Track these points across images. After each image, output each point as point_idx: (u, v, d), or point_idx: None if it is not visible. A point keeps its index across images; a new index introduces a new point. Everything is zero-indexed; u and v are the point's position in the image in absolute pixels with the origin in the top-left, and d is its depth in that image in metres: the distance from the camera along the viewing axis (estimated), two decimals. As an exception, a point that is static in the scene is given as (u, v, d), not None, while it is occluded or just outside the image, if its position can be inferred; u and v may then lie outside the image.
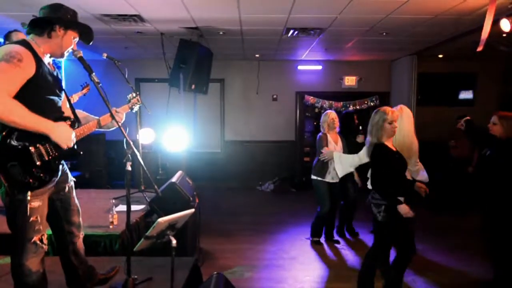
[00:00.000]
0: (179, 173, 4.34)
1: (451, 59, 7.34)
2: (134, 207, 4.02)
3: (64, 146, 1.94)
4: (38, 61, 1.92)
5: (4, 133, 1.81)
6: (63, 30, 2.02)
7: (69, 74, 7.96)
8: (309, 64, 8.00)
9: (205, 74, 5.77)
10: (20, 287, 1.97)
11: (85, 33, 2.18)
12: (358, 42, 6.11)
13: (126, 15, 4.73)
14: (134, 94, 2.50)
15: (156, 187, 2.37)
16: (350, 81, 8.06)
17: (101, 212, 3.77)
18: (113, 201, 3.60)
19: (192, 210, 1.97)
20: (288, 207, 6.60)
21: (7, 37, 3.50)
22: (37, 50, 1.96)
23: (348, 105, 7.88)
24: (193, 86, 5.47)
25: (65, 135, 1.93)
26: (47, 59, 2.06)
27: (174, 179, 3.99)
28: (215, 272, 2.26)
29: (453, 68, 7.70)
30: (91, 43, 2.28)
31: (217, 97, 8.11)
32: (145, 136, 5.04)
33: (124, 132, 2.23)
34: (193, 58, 5.26)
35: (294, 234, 5.06)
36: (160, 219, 1.67)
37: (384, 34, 5.45)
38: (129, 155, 2.27)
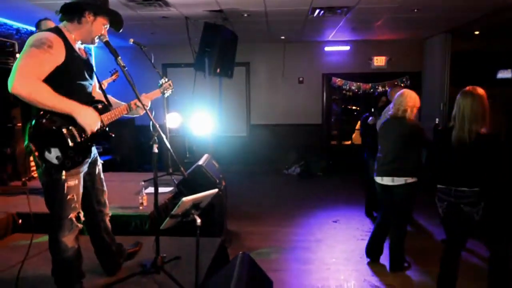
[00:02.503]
0: (205, 156, 4.40)
1: (489, 36, 6.92)
2: (162, 189, 4.13)
3: (88, 130, 1.99)
4: (68, 47, 1.97)
5: (38, 117, 1.88)
6: (92, 16, 2.05)
7: (99, 60, 8.17)
8: (337, 44, 7.79)
9: (230, 57, 5.75)
10: (58, 262, 2.09)
11: (115, 20, 2.19)
12: (387, 20, 5.87)
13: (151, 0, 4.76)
14: (166, 79, 2.52)
15: (183, 169, 2.41)
16: (379, 61, 7.80)
17: (132, 194, 3.89)
18: (143, 183, 3.70)
19: (216, 190, 1.99)
20: (315, 191, 6.58)
21: (37, 25, 3.61)
22: (68, 37, 2.01)
23: (377, 86, 7.66)
24: (218, 70, 5.47)
25: (90, 119, 1.98)
26: (78, 45, 2.11)
27: (200, 162, 4.06)
28: (240, 252, 2.30)
29: (491, 46, 7.27)
30: (121, 30, 2.30)
31: (242, 81, 8.09)
32: (172, 120, 5.11)
33: (151, 116, 2.27)
34: (218, 42, 5.25)
35: (320, 217, 5.05)
36: (184, 198, 1.71)
37: (416, 10, 5.20)
38: (156, 138, 2.32)
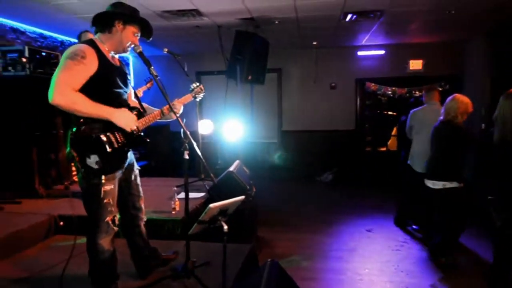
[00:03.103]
0: (236, 162, 4.44)
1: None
2: (194, 195, 4.22)
3: (128, 129, 2.08)
4: (101, 57, 2.07)
5: (78, 124, 1.99)
6: (122, 25, 2.14)
7: (136, 69, 8.53)
8: (370, 49, 7.63)
9: (262, 64, 5.80)
10: (95, 263, 2.18)
11: (144, 28, 2.28)
12: (423, 22, 5.69)
13: (185, 10, 4.90)
14: (197, 83, 2.58)
15: (212, 175, 2.47)
16: (415, 65, 7.55)
17: (165, 198, 4.00)
18: (175, 188, 3.79)
19: (242, 197, 2.00)
20: (348, 198, 6.45)
21: (78, 37, 3.84)
22: (101, 47, 2.11)
23: (413, 91, 7.42)
24: (249, 77, 5.52)
25: (125, 118, 2.07)
26: (112, 55, 2.20)
27: (231, 168, 4.10)
28: (269, 259, 2.29)
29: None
30: (151, 38, 2.38)
31: (274, 87, 8.12)
32: (204, 127, 5.22)
33: (182, 123, 2.32)
34: (249, 49, 5.31)
35: (353, 225, 4.94)
36: (211, 205, 1.74)
37: (451, 12, 5.00)
38: (186, 145, 2.38)
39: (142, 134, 2.24)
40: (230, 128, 5.42)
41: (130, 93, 2.36)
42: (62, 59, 1.97)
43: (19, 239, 3.11)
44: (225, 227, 1.77)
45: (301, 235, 4.62)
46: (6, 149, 4.49)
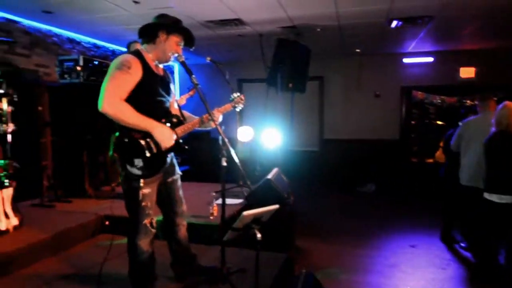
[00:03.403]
0: (275, 170, 4.43)
1: None
2: (232, 201, 4.26)
3: (163, 146, 2.14)
4: (146, 67, 2.16)
5: (120, 130, 2.10)
6: (165, 35, 2.23)
7: (181, 77, 8.83)
8: (418, 56, 7.34)
9: (303, 72, 5.76)
10: (134, 264, 2.27)
11: (187, 37, 2.34)
12: (475, 28, 5.39)
13: (228, 19, 5.02)
14: (238, 93, 2.60)
15: (248, 182, 2.48)
16: (467, 72, 7.13)
17: (204, 203, 4.07)
18: (214, 194, 3.85)
19: (277, 206, 1.99)
20: (391, 211, 6.19)
21: (128, 47, 4.05)
22: (146, 57, 2.21)
23: (464, 100, 7.01)
24: (290, 85, 5.51)
25: (165, 136, 2.13)
26: (155, 67, 2.29)
27: (269, 176, 4.10)
28: (304, 270, 2.26)
29: None
30: (193, 47, 2.45)
31: (315, 95, 8.04)
32: (244, 134, 5.27)
33: (220, 130, 2.36)
34: (290, 57, 5.31)
35: (396, 240, 4.73)
36: (244, 212, 1.74)
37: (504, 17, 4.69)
38: (224, 152, 2.42)
39: (181, 141, 2.30)
40: (270, 135, 5.43)
41: (172, 102, 2.44)
42: (110, 69, 2.08)
43: (67, 237, 3.30)
44: (259, 235, 1.77)
45: (340, 246, 4.51)
46: (60, 151, 4.82)
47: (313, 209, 6.10)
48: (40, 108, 5.03)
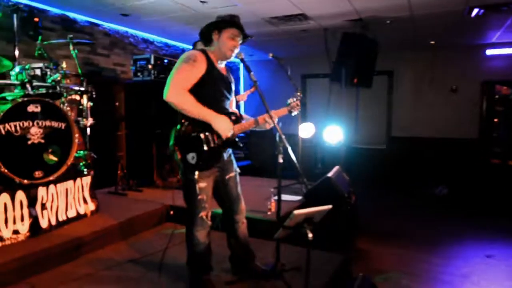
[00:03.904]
0: (336, 168, 4.33)
1: None
2: (290, 198, 4.25)
3: (223, 136, 2.21)
4: (210, 63, 2.26)
5: (181, 123, 2.20)
6: (217, 33, 2.30)
7: (245, 74, 8.99)
8: (504, 47, 6.60)
9: (369, 67, 5.53)
10: (191, 253, 2.37)
11: (236, 24, 2.31)
12: None
13: (292, 15, 4.98)
14: (294, 99, 2.58)
15: (305, 180, 2.44)
16: None
17: (263, 199, 4.11)
18: (272, 190, 3.87)
19: (329, 206, 1.93)
20: (465, 216, 5.68)
21: (194, 46, 4.22)
22: (211, 55, 2.31)
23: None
24: (355, 80, 5.33)
25: (224, 126, 2.19)
26: (218, 65, 2.37)
27: (330, 174, 4.01)
28: (361, 274, 2.18)
29: None
30: (248, 35, 2.41)
31: (383, 90, 7.65)
32: (305, 130, 5.20)
33: (278, 127, 2.36)
34: (356, 51, 5.12)
35: (470, 249, 4.34)
36: (295, 211, 1.72)
37: None
38: (281, 148, 2.41)
39: (237, 139, 2.34)
40: (332, 132, 5.30)
41: (232, 101, 2.49)
42: (178, 62, 2.22)
43: (136, 224, 3.56)
44: (310, 235, 1.73)
45: (403, 250, 4.25)
46: (132, 144, 5.21)
47: (376, 210, 5.83)
48: (117, 103, 5.48)
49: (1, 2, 4.15)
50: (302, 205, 4.03)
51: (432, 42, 6.64)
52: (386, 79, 7.59)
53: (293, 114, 2.56)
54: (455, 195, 6.75)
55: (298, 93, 4.60)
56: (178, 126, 2.22)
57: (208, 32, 2.33)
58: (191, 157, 2.16)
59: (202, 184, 2.24)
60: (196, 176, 2.20)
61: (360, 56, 5.17)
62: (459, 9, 4.57)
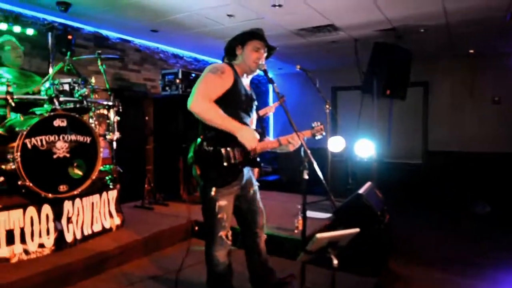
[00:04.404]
0: (367, 184, 4.12)
1: None
2: (319, 215, 4.07)
3: (248, 147, 2.11)
4: (236, 77, 2.21)
5: (201, 137, 2.13)
6: (240, 48, 2.27)
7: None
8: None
9: (403, 78, 5.29)
10: (211, 274, 2.27)
11: (259, 36, 2.27)
12: None
13: (320, 26, 4.88)
14: (318, 123, 2.48)
15: (331, 196, 2.29)
16: None
17: (290, 215, 3.95)
18: (299, 206, 3.70)
19: (357, 230, 1.75)
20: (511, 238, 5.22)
21: (222, 60, 4.20)
22: (237, 70, 2.26)
23: None
24: (388, 92, 5.10)
25: (249, 136, 2.10)
26: (244, 80, 2.32)
27: (361, 191, 3.81)
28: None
29: None
30: (275, 47, 2.40)
31: (418, 102, 7.31)
32: (335, 144, 5.01)
33: (303, 142, 2.25)
34: (388, 62, 4.92)
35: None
36: (318, 235, 1.57)
37: None
38: (306, 164, 2.28)
39: (258, 158, 2.24)
40: (364, 145, 5.08)
41: (252, 119, 2.41)
42: (204, 72, 2.17)
43: (160, 239, 3.51)
44: (335, 261, 1.57)
45: (444, 275, 3.92)
46: (160, 158, 5.23)
47: (413, 229, 5.48)
48: (147, 118, 5.55)
49: (37, 21, 4.34)
50: (331, 223, 3.84)
51: (471, 51, 6.29)
52: (421, 91, 7.26)
53: (316, 138, 2.45)
54: (498, 213, 6.25)
55: (327, 106, 4.44)
56: (198, 140, 2.14)
57: (232, 47, 2.30)
58: (210, 172, 2.08)
59: (222, 202, 2.14)
60: (215, 194, 2.10)
61: (393, 67, 4.96)
62: (500, 15, 4.28)
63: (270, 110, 4.95)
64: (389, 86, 5.08)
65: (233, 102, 2.20)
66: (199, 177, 2.10)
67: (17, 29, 3.87)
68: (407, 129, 7.34)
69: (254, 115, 2.44)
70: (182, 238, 3.77)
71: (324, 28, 4.95)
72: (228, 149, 2.11)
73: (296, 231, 3.47)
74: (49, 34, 4.17)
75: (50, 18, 4.46)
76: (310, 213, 4.16)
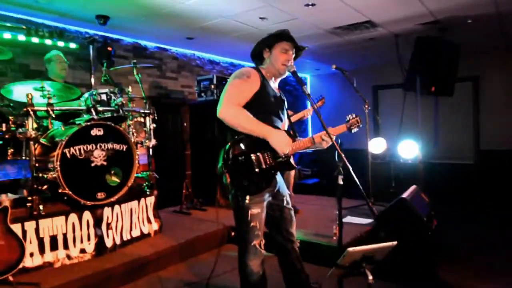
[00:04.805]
0: (412, 187, 3.87)
1: None
2: (360, 220, 3.89)
3: (280, 152, 2.04)
4: (263, 81, 2.15)
5: (231, 143, 2.07)
6: (268, 51, 2.20)
7: (313, 87, 8.77)
8: None
9: (450, 73, 4.94)
10: (244, 283, 2.20)
11: (286, 37, 2.20)
12: None
13: (357, 23, 4.70)
14: (353, 115, 2.35)
15: (369, 202, 2.14)
16: None
17: (328, 221, 3.81)
18: (337, 212, 3.54)
19: (394, 243, 1.59)
20: None
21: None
22: (264, 74, 2.20)
23: None
24: (433, 89, 4.80)
25: (282, 141, 2.03)
26: (273, 84, 2.25)
27: (405, 195, 3.58)
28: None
29: None
30: (305, 47, 2.32)
31: (467, 99, 6.82)
32: (376, 145, 4.78)
33: (337, 145, 2.13)
34: (432, 57, 4.62)
35: None
36: (350, 249, 1.43)
37: None
38: (341, 168, 2.16)
39: (291, 159, 2.16)
40: (408, 146, 4.80)
41: (284, 123, 2.33)
42: (231, 78, 2.13)
43: (197, 245, 3.52)
44: (370, 277, 1.43)
45: (494, 285, 3.58)
46: (197, 163, 5.28)
47: (463, 236, 5.08)
48: (185, 124, 5.64)
49: (79, 35, 4.55)
50: (373, 229, 3.64)
51: (527, 41, 5.77)
52: (470, 86, 6.77)
53: (353, 131, 2.31)
54: None
55: (366, 105, 4.25)
56: (227, 146, 2.09)
57: (259, 51, 2.24)
58: (242, 179, 2.02)
59: (254, 210, 2.07)
60: (247, 202, 2.04)
61: (438, 62, 4.65)
62: (561, -1, 3.87)
63: (308, 113, 4.82)
64: (434, 83, 4.77)
65: (263, 105, 2.14)
66: (230, 185, 2.05)
67: (61, 43, 4.09)
68: (455, 128, 6.86)
69: (285, 118, 2.36)
70: (218, 243, 3.75)
71: (361, 25, 4.76)
72: (258, 154, 2.05)
73: (334, 238, 3.33)
74: (90, 47, 4.36)
75: (91, 31, 4.67)
76: (350, 219, 3.98)
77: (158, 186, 3.74)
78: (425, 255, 3.38)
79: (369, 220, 3.88)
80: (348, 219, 3.96)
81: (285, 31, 2.20)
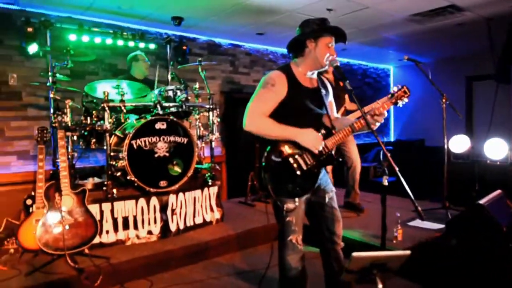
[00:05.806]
0: (496, 192, 3.42)
1: None
2: (430, 225, 3.59)
3: (314, 150, 2.00)
4: (292, 82, 2.08)
5: (268, 150, 2.08)
6: (313, 43, 2.08)
7: (396, 79, 8.22)
8: None
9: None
10: (282, 278, 2.22)
11: (336, 33, 2.11)
12: None
13: (438, 8, 4.27)
14: (399, 86, 2.15)
15: (418, 207, 1.96)
16: None
17: (393, 222, 3.57)
18: (398, 214, 3.31)
19: (408, 252, 1.43)
20: None
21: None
22: (295, 71, 2.12)
23: None
24: (532, 79, 4.14)
25: (311, 139, 1.99)
26: (309, 77, 2.17)
27: (483, 200, 3.19)
28: None
29: None
30: (346, 42, 2.19)
31: None
32: (457, 143, 4.31)
33: (380, 141, 2.00)
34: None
35: None
36: (354, 254, 1.33)
37: None
38: (385, 169, 2.02)
39: (332, 152, 2.09)
40: (496, 146, 4.24)
41: (326, 115, 2.23)
42: (257, 88, 2.12)
43: (254, 236, 3.62)
44: (380, 286, 1.33)
45: None
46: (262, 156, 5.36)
47: None
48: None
49: (158, 36, 4.97)
50: (442, 235, 3.32)
51: None
52: None
53: (399, 105, 2.12)
54: None
55: (443, 99, 3.85)
56: (268, 148, 2.08)
57: (302, 42, 2.12)
58: (287, 185, 2.02)
59: (290, 205, 2.07)
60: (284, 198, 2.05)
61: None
62: None
63: (383, 108, 4.54)
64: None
65: (294, 108, 2.08)
66: (271, 192, 2.04)
67: (141, 45, 4.52)
68: None
69: (330, 110, 2.25)
70: (276, 236, 3.79)
71: (443, 10, 4.31)
72: (296, 156, 2.04)
73: (394, 241, 3.14)
74: (168, 46, 4.74)
75: (170, 32, 5.06)
76: (419, 223, 3.70)
77: (229, 177, 3.92)
78: (503, 270, 2.97)
79: (440, 226, 3.54)
80: (415, 222, 3.68)
81: (327, 21, 2.11)
